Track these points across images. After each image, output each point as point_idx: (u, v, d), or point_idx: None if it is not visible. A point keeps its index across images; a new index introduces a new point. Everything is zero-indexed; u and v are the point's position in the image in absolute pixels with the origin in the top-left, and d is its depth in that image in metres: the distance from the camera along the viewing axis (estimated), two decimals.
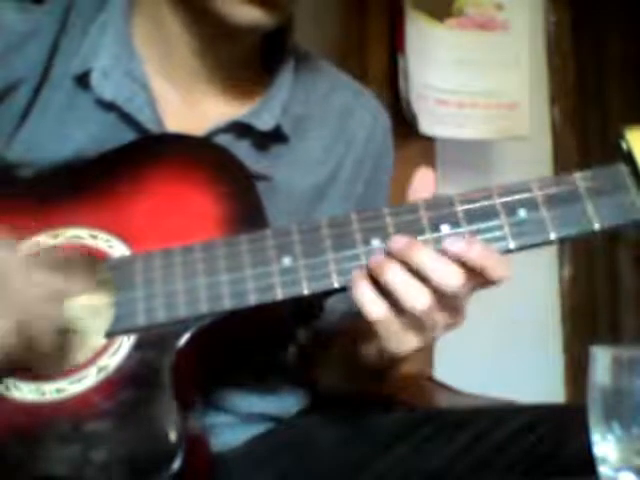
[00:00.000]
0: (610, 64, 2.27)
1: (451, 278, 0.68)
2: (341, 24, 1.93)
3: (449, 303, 0.70)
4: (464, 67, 1.94)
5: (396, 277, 0.69)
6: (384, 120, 1.03)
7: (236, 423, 0.90)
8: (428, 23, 1.91)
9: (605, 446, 0.53)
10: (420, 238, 0.73)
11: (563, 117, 2.19)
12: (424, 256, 0.69)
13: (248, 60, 0.93)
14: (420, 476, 0.84)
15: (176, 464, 0.68)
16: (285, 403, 0.94)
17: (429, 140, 1.93)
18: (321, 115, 0.96)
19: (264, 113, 0.90)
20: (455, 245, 0.69)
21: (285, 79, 0.93)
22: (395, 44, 1.90)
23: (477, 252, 0.69)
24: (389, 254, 0.70)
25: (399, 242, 0.70)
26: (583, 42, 2.24)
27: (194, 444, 0.73)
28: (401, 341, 0.71)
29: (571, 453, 0.74)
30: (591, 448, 0.54)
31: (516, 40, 2.01)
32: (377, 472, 0.85)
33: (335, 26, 1.92)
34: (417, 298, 0.68)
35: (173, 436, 0.69)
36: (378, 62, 1.92)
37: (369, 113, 1.01)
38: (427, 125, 1.87)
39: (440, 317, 0.70)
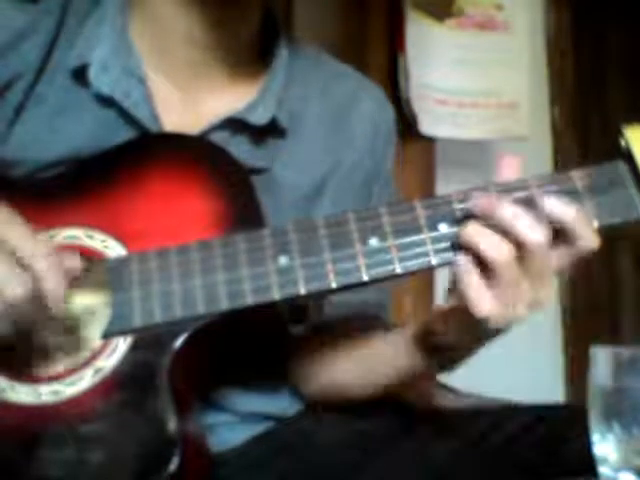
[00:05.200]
0: (610, 64, 2.28)
1: (535, 232, 0.69)
2: (341, 24, 1.93)
3: (533, 266, 0.69)
4: (464, 67, 1.94)
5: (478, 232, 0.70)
6: (388, 110, 1.02)
7: (236, 422, 0.89)
8: (428, 23, 1.91)
9: (605, 446, 0.53)
10: (417, 237, 0.73)
11: (563, 117, 2.19)
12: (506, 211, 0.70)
13: (244, 53, 0.93)
14: (420, 477, 0.83)
15: (173, 465, 0.68)
16: (285, 402, 0.94)
17: (429, 140, 1.93)
18: (319, 111, 0.95)
19: (259, 107, 0.89)
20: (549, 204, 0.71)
21: (279, 72, 0.93)
22: (395, 44, 1.90)
23: (570, 214, 0.70)
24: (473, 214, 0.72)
25: (480, 201, 0.71)
26: (583, 42, 2.24)
27: (192, 444, 0.73)
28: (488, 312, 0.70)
29: (571, 453, 0.74)
30: (591, 448, 0.54)
31: (516, 40, 2.01)
32: (377, 472, 0.85)
33: (335, 26, 1.92)
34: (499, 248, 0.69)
35: (170, 437, 0.69)
36: (378, 62, 1.91)
37: (374, 102, 1.00)
38: (427, 125, 1.87)
39: (525, 283, 0.70)
